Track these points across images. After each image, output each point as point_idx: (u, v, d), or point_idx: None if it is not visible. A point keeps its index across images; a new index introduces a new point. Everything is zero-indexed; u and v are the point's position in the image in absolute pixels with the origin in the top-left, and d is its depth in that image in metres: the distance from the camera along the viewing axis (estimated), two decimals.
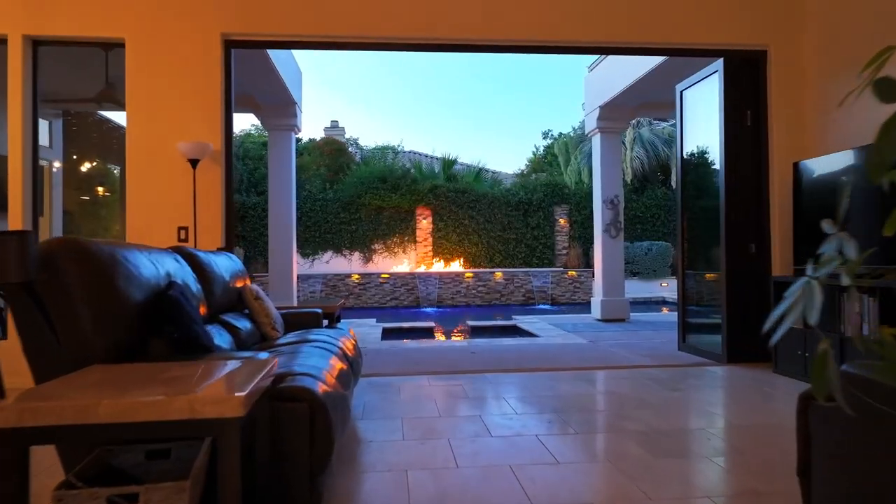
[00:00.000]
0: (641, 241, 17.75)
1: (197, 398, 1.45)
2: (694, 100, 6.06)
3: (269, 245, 9.51)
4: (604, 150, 9.95)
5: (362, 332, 8.75)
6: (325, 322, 4.59)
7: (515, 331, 9.38)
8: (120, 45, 4.90)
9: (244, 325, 3.41)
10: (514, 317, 10.52)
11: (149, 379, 1.71)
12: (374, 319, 10.35)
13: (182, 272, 2.82)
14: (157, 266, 2.49)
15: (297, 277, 14.56)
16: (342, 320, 9.61)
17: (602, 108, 9.60)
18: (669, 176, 18.68)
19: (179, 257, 3.02)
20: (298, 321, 4.12)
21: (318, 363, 2.70)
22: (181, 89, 4.86)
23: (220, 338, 2.92)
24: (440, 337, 9.51)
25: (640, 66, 7.92)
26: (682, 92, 6.16)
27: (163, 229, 4.80)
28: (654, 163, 18.81)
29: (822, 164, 4.85)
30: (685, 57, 5.73)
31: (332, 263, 17.47)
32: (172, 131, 4.80)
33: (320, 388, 2.29)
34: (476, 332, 9.49)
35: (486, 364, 5.72)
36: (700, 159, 6.12)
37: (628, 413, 3.82)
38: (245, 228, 17.09)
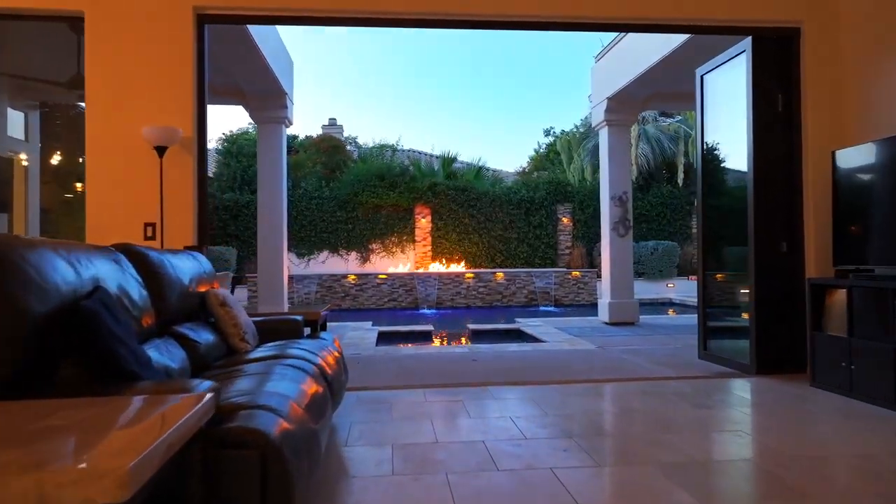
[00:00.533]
0: (647, 240, 17.22)
1: (50, 477, 0.93)
2: (716, 85, 5.53)
3: (258, 244, 8.98)
4: (611, 144, 9.43)
5: (356, 336, 8.23)
6: (308, 330, 4.07)
7: (519, 335, 8.86)
8: (81, 20, 4.38)
9: (205, 337, 2.88)
10: (517, 320, 10.01)
11: (12, 433, 1.19)
12: (370, 322, 9.83)
13: (119, 276, 2.29)
14: (78, 269, 1.97)
15: (292, 278, 14.05)
16: (340, 323, 9.08)
17: (610, 99, 9.07)
18: (676, 174, 18.16)
19: (122, 258, 2.50)
20: (276, 330, 3.60)
21: (285, 389, 2.18)
22: (147, 69, 4.34)
23: (168, 355, 2.40)
24: (439, 342, 8.99)
25: (651, 53, 7.40)
26: (702, 77, 5.64)
27: (127, 226, 4.28)
28: (659, 160, 18.28)
29: (864, 154, 4.33)
30: (709, 34, 5.20)
31: (328, 263, 16.94)
32: (138, 116, 4.28)
33: (280, 427, 1.76)
34: (477, 336, 8.97)
35: (488, 374, 5.20)
36: (724, 150, 5.60)
37: (656, 437, 3.29)
38: (238, 227, 16.58)
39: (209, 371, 2.72)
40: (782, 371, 4.82)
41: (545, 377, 5.08)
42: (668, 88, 8.85)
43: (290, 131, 22.27)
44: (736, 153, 5.37)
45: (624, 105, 9.13)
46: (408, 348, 7.27)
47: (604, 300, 9.53)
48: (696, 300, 13.63)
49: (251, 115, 8.92)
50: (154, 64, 4.33)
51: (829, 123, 4.78)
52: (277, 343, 3.23)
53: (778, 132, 4.91)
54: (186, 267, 3.05)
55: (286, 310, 9.04)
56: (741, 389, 4.50)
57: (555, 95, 64.38)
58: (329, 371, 2.89)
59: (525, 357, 6.37)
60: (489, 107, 64.65)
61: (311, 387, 2.37)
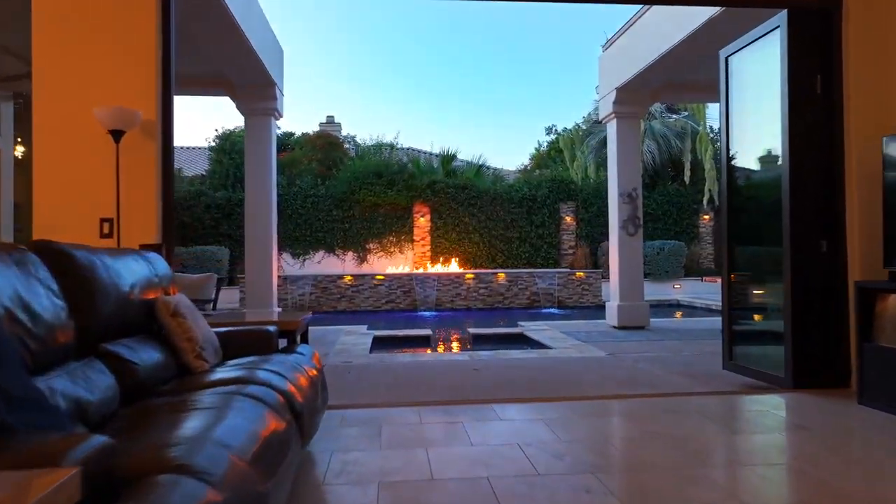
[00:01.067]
0: (653, 240, 16.70)
1: None
2: (743, 67, 5.00)
3: (245, 244, 8.46)
4: (621, 138, 8.90)
5: (349, 341, 7.71)
6: (289, 341, 3.54)
7: (522, 340, 8.34)
8: None
9: (147, 355, 2.35)
10: (520, 323, 9.48)
11: None
12: (366, 326, 9.30)
13: (19, 283, 1.77)
14: None
15: (286, 279, 13.52)
16: (334, 327, 8.54)
17: (619, 90, 8.54)
18: (682, 172, 17.63)
19: (34, 259, 1.97)
20: (244, 343, 3.07)
21: (230, 434, 1.65)
22: (104, 43, 3.81)
23: (85, 384, 1.87)
24: (438, 347, 8.47)
25: (664, 39, 6.89)
26: (727, 58, 5.10)
27: (81, 223, 3.77)
28: (665, 157, 17.76)
29: None
30: (740, 7, 4.68)
31: (324, 264, 16.43)
32: (92, 97, 3.75)
33: (204, 498, 1.24)
34: (478, 341, 8.44)
35: (491, 387, 4.68)
36: (752, 139, 5.07)
37: (692, 472, 2.76)
38: (231, 226, 16.07)
39: (152, 399, 2.19)
40: (821, 385, 4.30)
41: (555, 391, 4.55)
42: (682, 78, 8.33)
43: (286, 128, 21.78)
44: (766, 142, 4.85)
45: (634, 96, 8.60)
46: (404, 356, 6.75)
47: (612, 303, 8.99)
48: (704, 302, 13.09)
49: (238, 107, 8.39)
50: (111, 38, 3.80)
51: (876, 107, 4.25)
52: (241, 362, 2.70)
53: (816, 118, 4.38)
54: (129, 269, 2.52)
55: (276, 312, 8.53)
56: (778, 407, 3.97)
57: (556, 93, 63.86)
58: (300, 398, 2.36)
59: (531, 366, 5.84)
60: (489, 105, 64.14)
61: (268, 427, 1.84)
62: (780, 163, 4.47)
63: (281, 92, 8.63)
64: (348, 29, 79.32)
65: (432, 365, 6.04)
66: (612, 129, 9.06)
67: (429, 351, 7.80)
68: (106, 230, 3.77)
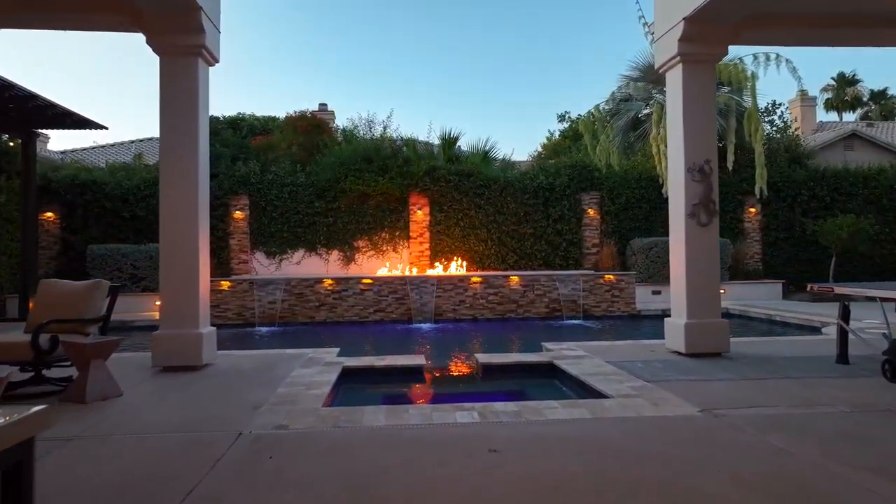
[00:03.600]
0: None
1: None
2: None
3: (159, 238, 5.97)
4: (688, 90, 6.38)
5: (304, 378, 5.24)
6: None
7: (553, 373, 5.85)
8: None
9: None
10: (544, 346, 6.95)
11: None
12: (338, 350, 6.77)
13: None
14: None
15: (252, 283, 11.04)
16: (294, 350, 6.05)
17: (689, 20, 6.03)
18: (724, 156, 14.97)
19: None
20: None
21: None
22: None
23: None
24: (433, 383, 5.97)
25: None
26: None
27: None
28: None
29: None
30: None
31: (304, 264, 13.92)
32: None
33: None
34: (492, 376, 5.95)
35: None
36: None
37: None
38: None
39: None
40: None
41: None
42: (776, 5, 5.82)
43: (270, 114, 19.15)
44: None
45: (710, 28, 6.09)
46: (376, 412, 4.22)
47: (676, 320, 6.45)
48: (763, 311, 10.21)
49: (149, 42, 5.88)
50: None
51: None
52: None
53: None
54: None
55: (202, 334, 6.01)
56: None
57: (566, 80, 61.20)
58: None
59: (584, 444, 3.34)
60: (490, 96, 61.54)
61: None
62: None
63: (215, 26, 6.14)
64: (345, 23, 76.82)
65: (419, 440, 3.54)
66: (674, 80, 6.53)
67: (418, 402, 5.29)
68: None
